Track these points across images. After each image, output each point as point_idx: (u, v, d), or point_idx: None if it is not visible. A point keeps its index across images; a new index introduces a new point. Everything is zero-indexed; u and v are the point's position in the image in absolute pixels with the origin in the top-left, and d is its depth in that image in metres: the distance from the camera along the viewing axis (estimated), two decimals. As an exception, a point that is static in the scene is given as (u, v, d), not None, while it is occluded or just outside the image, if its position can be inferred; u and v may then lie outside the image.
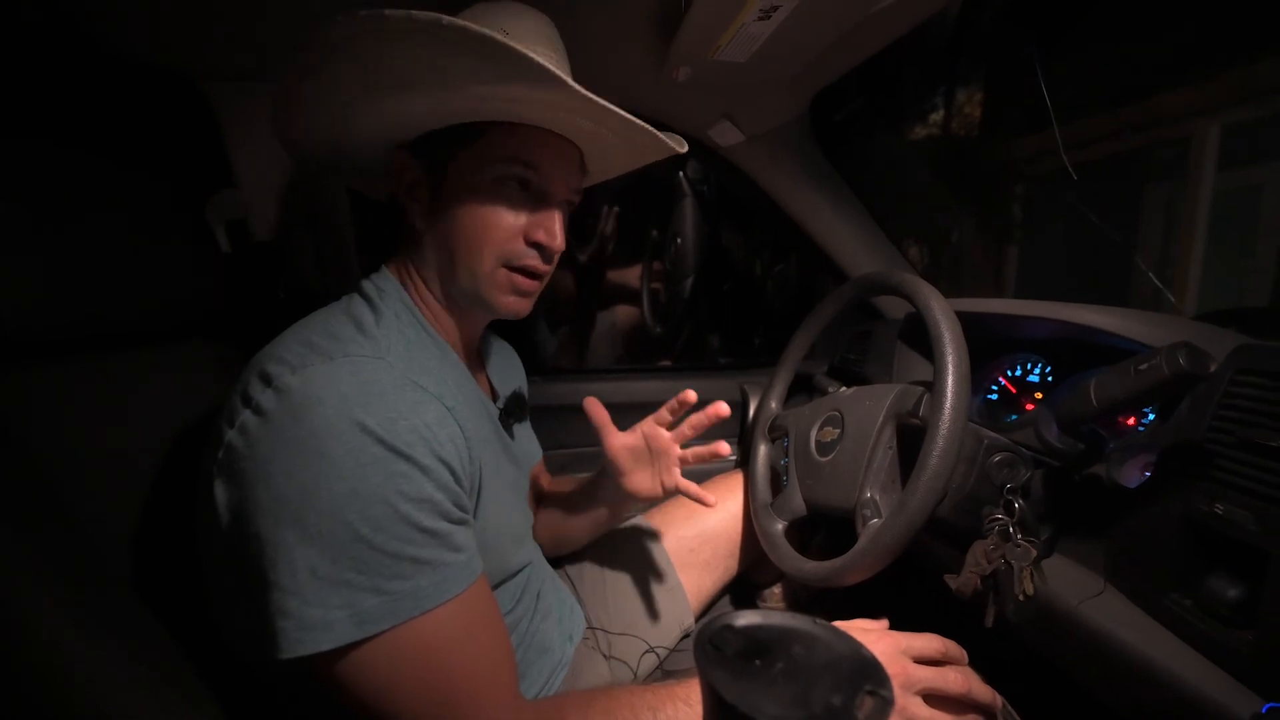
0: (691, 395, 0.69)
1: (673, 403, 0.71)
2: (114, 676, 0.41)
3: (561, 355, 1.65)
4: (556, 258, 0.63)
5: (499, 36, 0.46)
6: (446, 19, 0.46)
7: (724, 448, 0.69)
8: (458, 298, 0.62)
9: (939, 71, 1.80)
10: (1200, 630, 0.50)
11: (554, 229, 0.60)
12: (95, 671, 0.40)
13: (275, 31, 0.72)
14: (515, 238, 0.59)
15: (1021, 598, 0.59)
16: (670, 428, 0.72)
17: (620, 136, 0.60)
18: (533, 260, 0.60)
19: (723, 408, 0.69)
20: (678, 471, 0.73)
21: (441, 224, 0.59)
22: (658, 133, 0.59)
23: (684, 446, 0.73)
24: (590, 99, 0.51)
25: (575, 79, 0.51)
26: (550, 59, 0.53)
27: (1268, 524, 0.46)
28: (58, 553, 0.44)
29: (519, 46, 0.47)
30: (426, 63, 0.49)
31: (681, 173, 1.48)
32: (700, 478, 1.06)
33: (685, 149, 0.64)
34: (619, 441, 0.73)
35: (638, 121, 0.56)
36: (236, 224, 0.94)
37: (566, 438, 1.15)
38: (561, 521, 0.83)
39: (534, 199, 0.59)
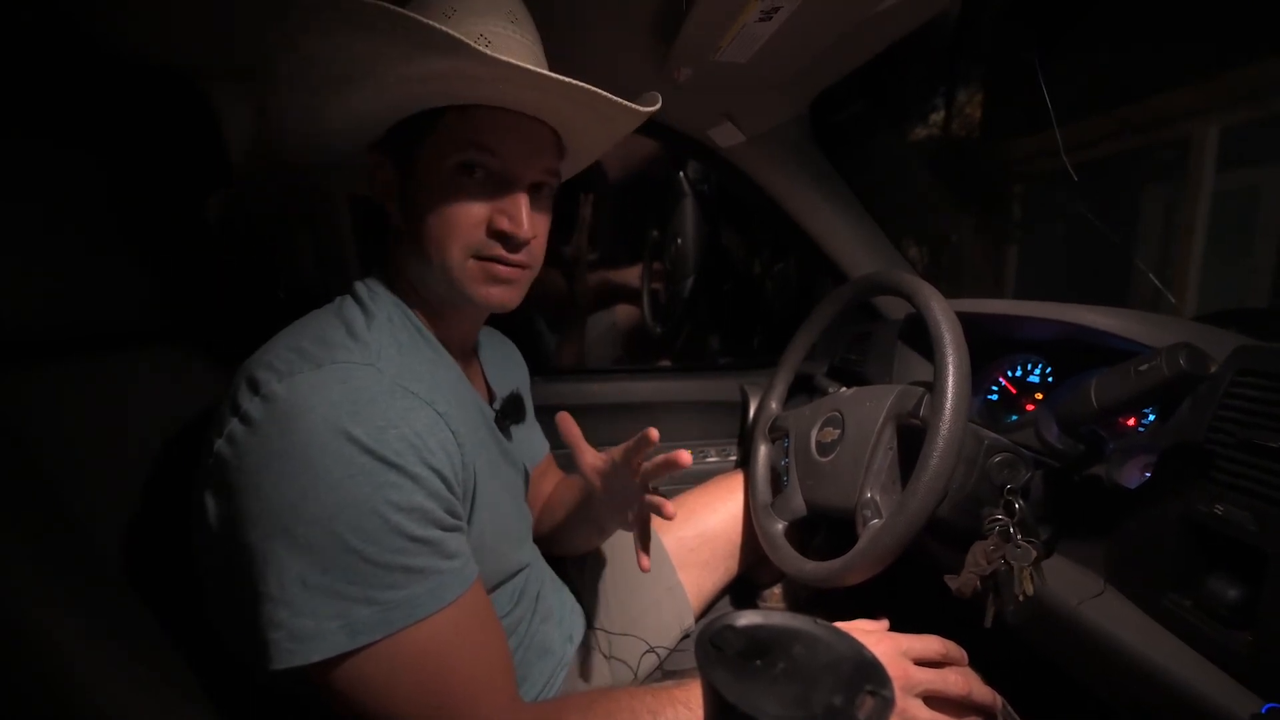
0: (654, 434, 0.57)
1: (630, 443, 0.60)
2: (114, 677, 0.41)
3: (561, 355, 1.64)
4: (536, 246, 0.59)
5: (401, 10, 0.43)
6: None
7: (684, 457, 0.55)
8: (440, 295, 0.60)
9: (939, 72, 1.80)
10: (1200, 631, 0.50)
11: (518, 215, 0.55)
12: (95, 672, 0.40)
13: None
14: (478, 228, 0.55)
15: (1021, 598, 0.59)
16: (635, 466, 0.62)
17: (582, 106, 0.55)
18: (498, 250, 0.56)
19: (683, 457, 0.55)
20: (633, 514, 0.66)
21: (412, 221, 0.56)
22: (626, 102, 0.55)
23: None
24: (516, 66, 0.46)
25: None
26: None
27: (1267, 525, 0.46)
28: (58, 553, 0.44)
29: (418, 15, 0.43)
30: (337, 49, 0.47)
31: (681, 173, 1.48)
32: (701, 477, 1.06)
33: (657, 105, 0.58)
34: (589, 461, 0.67)
35: (588, 87, 0.51)
36: (236, 224, 0.94)
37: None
38: (561, 530, 0.83)
39: (496, 185, 0.55)
